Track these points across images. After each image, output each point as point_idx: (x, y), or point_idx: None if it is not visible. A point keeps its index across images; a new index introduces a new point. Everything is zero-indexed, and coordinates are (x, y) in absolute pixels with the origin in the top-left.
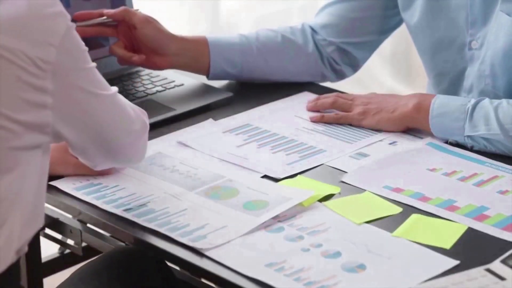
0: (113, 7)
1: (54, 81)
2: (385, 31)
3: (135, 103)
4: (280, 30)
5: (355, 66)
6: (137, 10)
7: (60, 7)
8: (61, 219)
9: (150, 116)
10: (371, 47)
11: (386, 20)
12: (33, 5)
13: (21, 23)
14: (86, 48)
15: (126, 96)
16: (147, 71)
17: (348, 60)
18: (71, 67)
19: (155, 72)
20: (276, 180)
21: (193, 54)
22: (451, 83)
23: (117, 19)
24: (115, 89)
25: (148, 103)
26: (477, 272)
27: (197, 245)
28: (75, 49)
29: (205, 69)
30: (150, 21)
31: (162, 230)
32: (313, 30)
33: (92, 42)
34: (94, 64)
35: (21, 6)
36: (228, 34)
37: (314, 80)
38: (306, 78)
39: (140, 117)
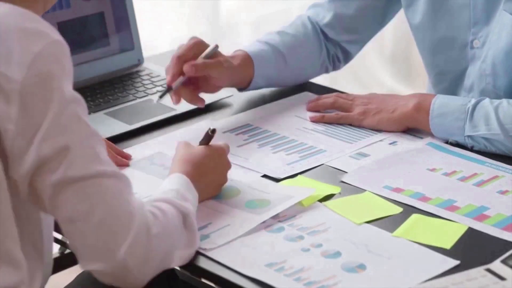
0: (112, 6)
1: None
2: (383, 24)
3: (135, 103)
4: (298, 33)
5: (349, 59)
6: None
7: (42, 26)
8: None
9: (150, 116)
10: (366, 40)
11: (385, 13)
12: (12, 16)
13: None
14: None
15: (126, 96)
16: (147, 71)
17: (345, 56)
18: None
19: (155, 72)
20: (276, 180)
21: (240, 77)
22: (451, 82)
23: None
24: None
25: (148, 103)
26: (477, 272)
27: (200, 245)
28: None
29: (243, 86)
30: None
31: None
32: (322, 30)
33: (90, 42)
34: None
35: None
36: (260, 45)
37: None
38: (315, 76)
39: (145, 216)
